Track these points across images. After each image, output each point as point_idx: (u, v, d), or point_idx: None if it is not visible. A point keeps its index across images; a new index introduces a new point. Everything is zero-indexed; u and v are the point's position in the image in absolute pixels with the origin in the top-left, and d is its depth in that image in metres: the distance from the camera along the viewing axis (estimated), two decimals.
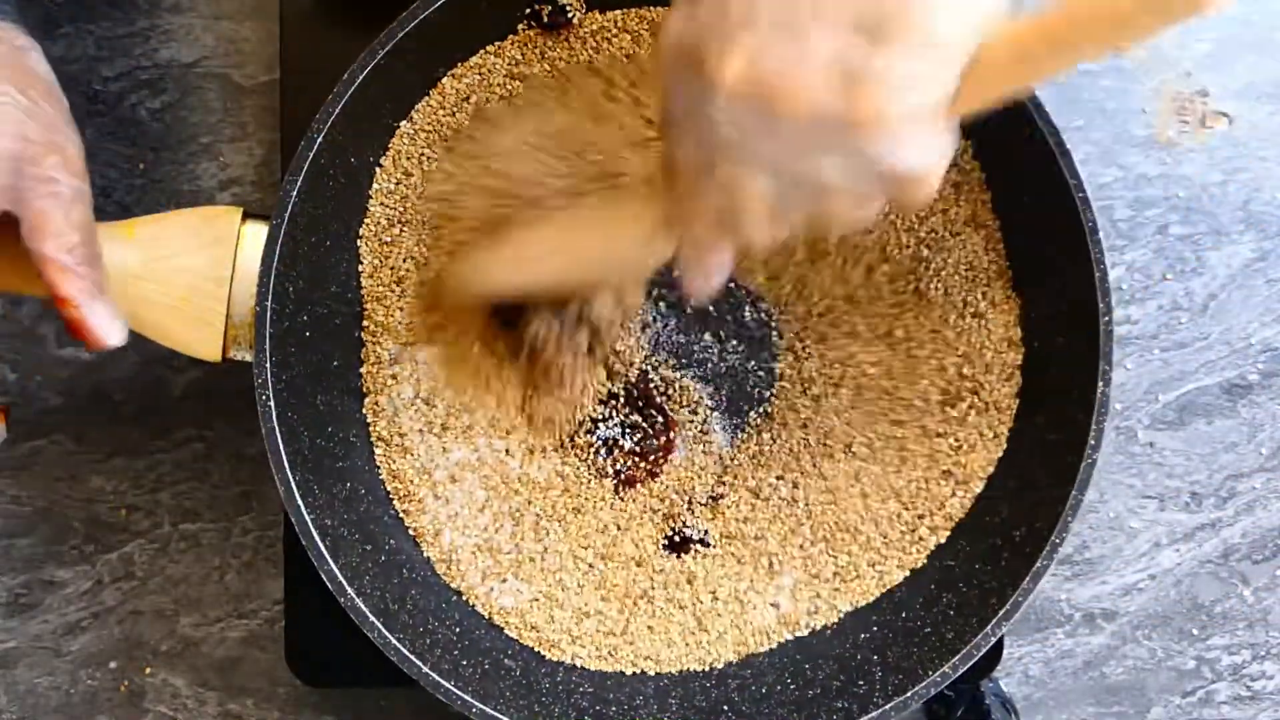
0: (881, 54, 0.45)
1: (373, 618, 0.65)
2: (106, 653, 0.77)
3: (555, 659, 0.70)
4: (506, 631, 0.70)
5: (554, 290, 0.67)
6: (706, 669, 0.70)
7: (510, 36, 0.70)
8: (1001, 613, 0.65)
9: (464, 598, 0.70)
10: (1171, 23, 0.43)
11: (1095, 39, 0.45)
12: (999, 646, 0.73)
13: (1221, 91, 0.78)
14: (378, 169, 0.70)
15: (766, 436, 0.72)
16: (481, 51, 0.70)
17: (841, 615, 0.70)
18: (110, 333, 0.60)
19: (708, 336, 0.73)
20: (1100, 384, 0.64)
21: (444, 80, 0.69)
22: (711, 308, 0.72)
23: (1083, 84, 0.78)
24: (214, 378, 0.76)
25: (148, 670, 0.77)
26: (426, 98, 0.69)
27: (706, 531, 0.71)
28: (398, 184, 0.70)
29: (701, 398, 0.72)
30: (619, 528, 0.71)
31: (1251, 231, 0.78)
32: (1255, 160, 0.78)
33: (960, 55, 0.46)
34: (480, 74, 0.70)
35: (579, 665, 0.70)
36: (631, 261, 0.63)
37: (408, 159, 0.70)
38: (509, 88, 0.70)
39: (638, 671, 0.70)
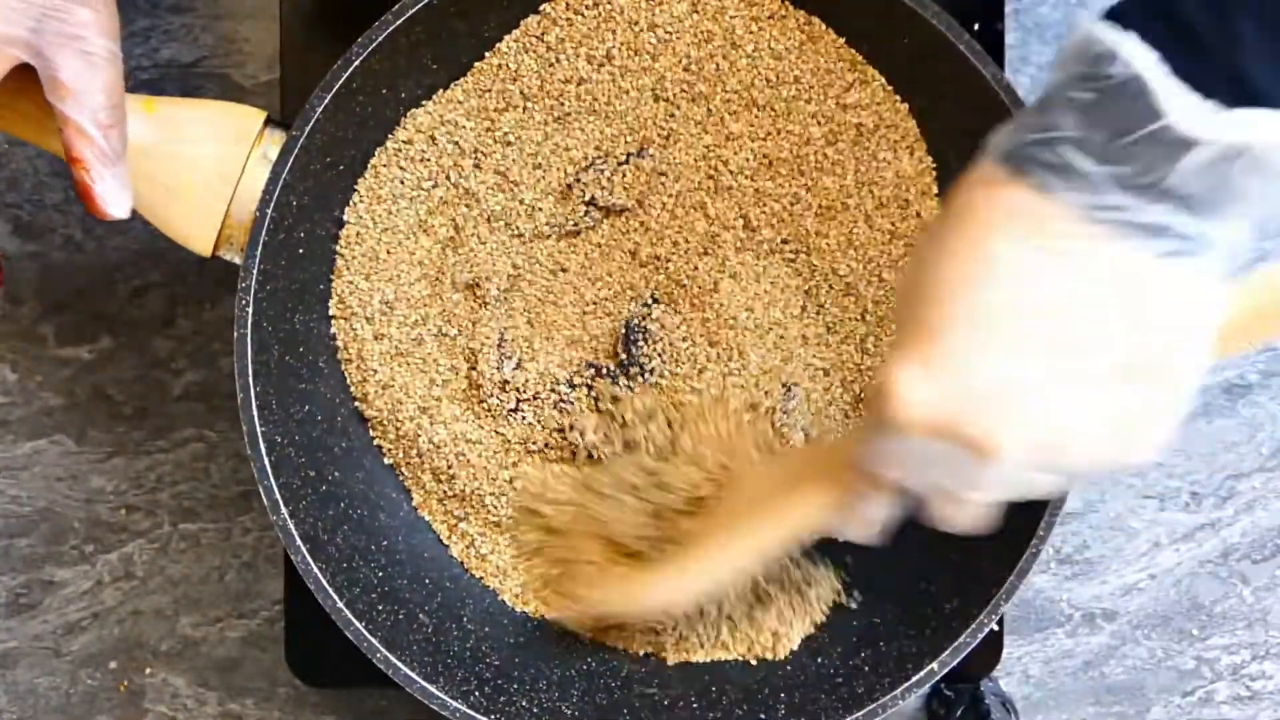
0: (1144, 393, 0.47)
1: (299, 541, 0.65)
2: (106, 653, 0.77)
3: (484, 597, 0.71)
4: (428, 583, 0.70)
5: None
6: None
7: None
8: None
9: (399, 544, 0.70)
10: None
11: None
12: (999, 646, 0.73)
13: None
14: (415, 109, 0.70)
15: None
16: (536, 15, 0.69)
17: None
18: (117, 204, 0.59)
19: None
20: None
21: (498, 43, 0.69)
22: None
23: None
24: (214, 378, 0.77)
25: (148, 670, 0.77)
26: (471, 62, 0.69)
27: None
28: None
29: None
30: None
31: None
32: None
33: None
34: (528, 36, 0.69)
35: (494, 613, 0.71)
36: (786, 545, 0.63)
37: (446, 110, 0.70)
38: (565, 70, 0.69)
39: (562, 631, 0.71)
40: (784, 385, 0.69)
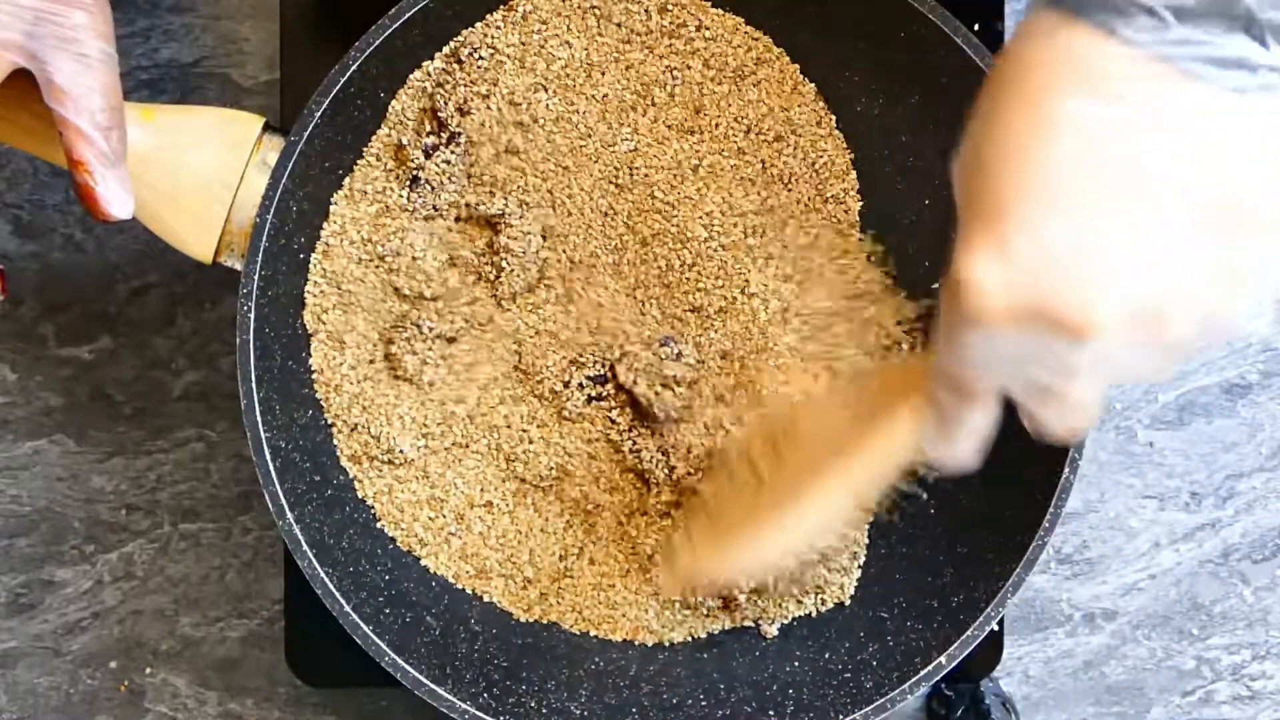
0: (1238, 238, 0.43)
1: (306, 546, 0.65)
2: (106, 653, 0.77)
3: (481, 609, 0.70)
4: (434, 585, 0.70)
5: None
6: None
7: None
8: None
9: (399, 546, 0.70)
10: None
11: None
12: (999, 646, 0.73)
13: None
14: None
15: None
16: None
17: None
18: (119, 205, 0.59)
19: None
20: (1066, 469, 0.65)
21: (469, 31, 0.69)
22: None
23: None
24: (214, 378, 0.76)
25: (148, 670, 0.77)
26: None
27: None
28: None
29: None
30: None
31: None
32: None
33: None
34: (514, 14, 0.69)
35: (502, 614, 0.70)
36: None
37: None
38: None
39: (569, 631, 0.71)
40: None
